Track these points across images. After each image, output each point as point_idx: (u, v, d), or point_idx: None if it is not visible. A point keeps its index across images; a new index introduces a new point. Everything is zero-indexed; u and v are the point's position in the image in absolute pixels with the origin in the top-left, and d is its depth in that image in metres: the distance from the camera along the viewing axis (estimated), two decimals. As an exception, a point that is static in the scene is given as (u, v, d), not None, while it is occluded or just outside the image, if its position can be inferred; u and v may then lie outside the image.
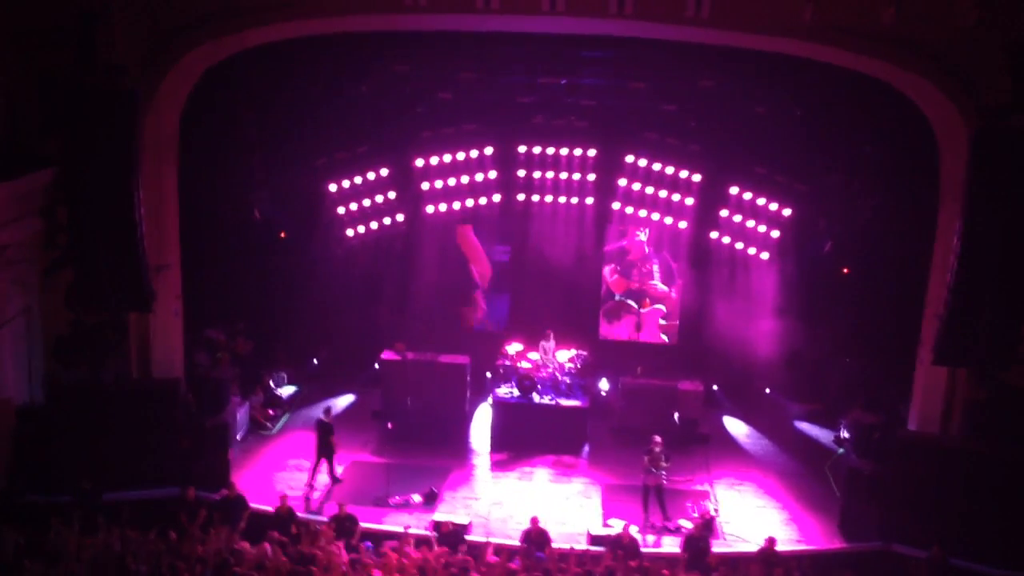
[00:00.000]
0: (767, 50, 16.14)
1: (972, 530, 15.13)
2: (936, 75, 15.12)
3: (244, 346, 21.16)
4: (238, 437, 18.63)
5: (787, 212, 20.26)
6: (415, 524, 15.64)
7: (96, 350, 16.73)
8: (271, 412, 20.27)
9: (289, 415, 20.69)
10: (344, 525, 14.76)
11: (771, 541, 14.85)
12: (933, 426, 16.37)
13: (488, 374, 21.44)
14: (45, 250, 16.24)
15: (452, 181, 21.29)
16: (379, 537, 14.74)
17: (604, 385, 21.14)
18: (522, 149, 21.05)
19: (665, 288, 22.21)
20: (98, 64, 14.89)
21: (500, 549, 14.37)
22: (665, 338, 22.31)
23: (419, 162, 21.08)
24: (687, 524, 16.08)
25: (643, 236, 22.03)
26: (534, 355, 20.57)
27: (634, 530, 15.42)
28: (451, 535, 14.88)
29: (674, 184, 20.68)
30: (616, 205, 21.22)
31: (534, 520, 15.03)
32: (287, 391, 21.42)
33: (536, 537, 14.77)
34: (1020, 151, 14.15)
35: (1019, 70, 14.15)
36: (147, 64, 15.76)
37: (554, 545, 14.72)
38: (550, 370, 20.23)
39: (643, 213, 21.03)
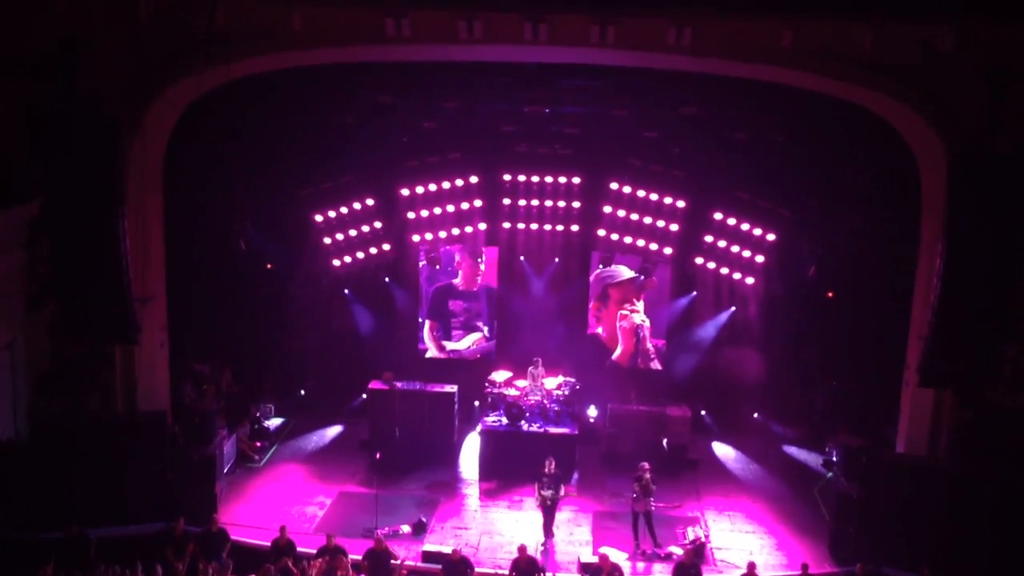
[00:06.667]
0: (748, 77, 16.31)
1: (961, 551, 15.13)
2: (915, 100, 15.30)
3: (230, 378, 21.07)
4: (225, 470, 18.47)
5: (771, 237, 20.38)
6: (404, 555, 15.51)
7: (80, 383, 16.61)
8: (258, 444, 20.12)
9: (276, 447, 20.54)
10: (334, 557, 14.62)
11: (751, 566, 14.70)
12: (921, 448, 16.39)
13: (476, 403, 21.38)
14: (29, 283, 16.16)
15: (438, 210, 21.38)
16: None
17: (592, 412, 21.09)
18: (507, 177, 21.16)
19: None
20: (82, 94, 14.89)
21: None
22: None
23: (404, 191, 21.15)
24: (677, 551, 16.01)
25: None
26: (522, 383, 20.55)
27: (623, 557, 15.34)
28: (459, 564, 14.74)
29: (658, 210, 20.80)
30: (602, 232, 21.31)
31: (521, 548, 14.92)
32: (274, 423, 21.32)
33: (525, 566, 14.65)
34: (998, 174, 14.33)
35: (996, 94, 14.37)
36: (132, 95, 15.78)
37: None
38: (538, 397, 20.22)
39: (628, 240, 21.10)
